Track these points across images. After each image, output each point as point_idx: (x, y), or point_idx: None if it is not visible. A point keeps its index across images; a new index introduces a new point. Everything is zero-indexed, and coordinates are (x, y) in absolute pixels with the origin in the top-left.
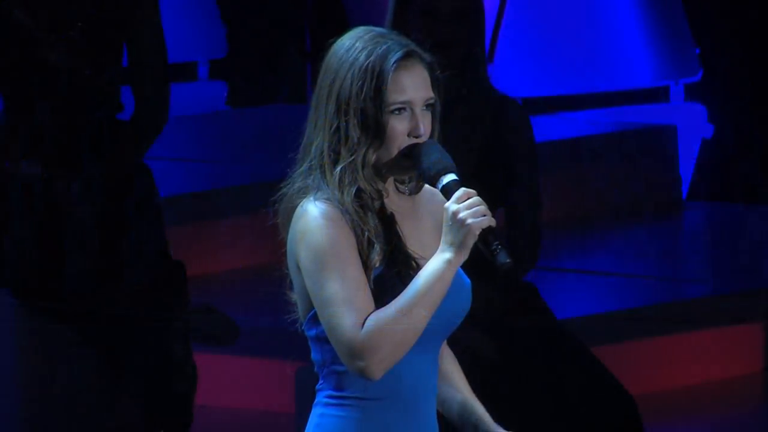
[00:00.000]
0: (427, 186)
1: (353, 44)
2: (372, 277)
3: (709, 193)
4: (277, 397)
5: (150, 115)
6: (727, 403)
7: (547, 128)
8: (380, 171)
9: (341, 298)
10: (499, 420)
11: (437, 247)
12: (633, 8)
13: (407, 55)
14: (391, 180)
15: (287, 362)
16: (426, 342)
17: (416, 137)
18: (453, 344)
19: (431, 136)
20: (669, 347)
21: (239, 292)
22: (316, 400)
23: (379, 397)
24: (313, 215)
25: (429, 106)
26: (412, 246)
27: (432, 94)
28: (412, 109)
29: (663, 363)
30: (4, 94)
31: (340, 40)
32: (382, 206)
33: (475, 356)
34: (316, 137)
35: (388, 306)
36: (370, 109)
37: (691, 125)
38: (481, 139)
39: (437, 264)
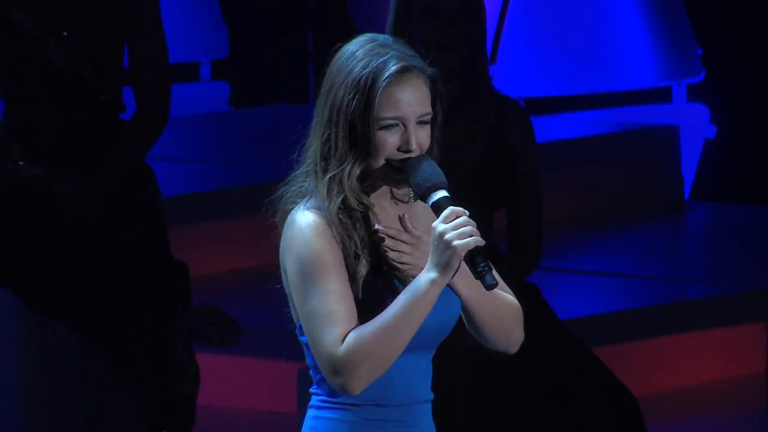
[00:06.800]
0: None
1: (354, 52)
2: (360, 287)
3: (712, 194)
4: (280, 397)
5: (151, 116)
6: (730, 403)
7: (549, 129)
8: (371, 181)
9: (323, 312)
10: (500, 420)
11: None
12: (635, 9)
13: (404, 70)
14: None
15: (289, 362)
16: (417, 348)
17: (406, 152)
18: (456, 345)
19: (429, 150)
20: (671, 348)
21: (242, 293)
22: (310, 402)
23: (371, 403)
24: (299, 226)
25: (424, 122)
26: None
27: (428, 110)
28: (404, 124)
29: (665, 364)
30: (4, 95)
31: (346, 45)
32: (369, 217)
33: (477, 356)
34: (313, 143)
35: (370, 322)
36: (359, 122)
37: (694, 126)
38: (482, 140)
39: (421, 283)
